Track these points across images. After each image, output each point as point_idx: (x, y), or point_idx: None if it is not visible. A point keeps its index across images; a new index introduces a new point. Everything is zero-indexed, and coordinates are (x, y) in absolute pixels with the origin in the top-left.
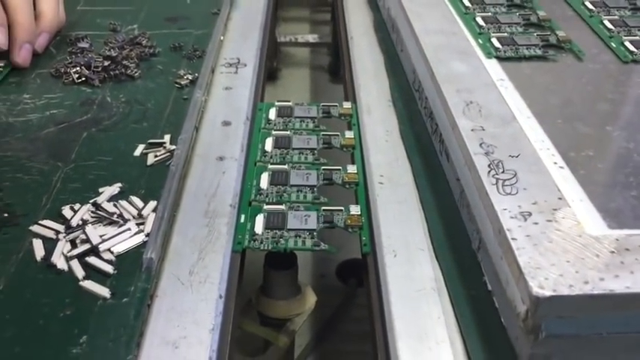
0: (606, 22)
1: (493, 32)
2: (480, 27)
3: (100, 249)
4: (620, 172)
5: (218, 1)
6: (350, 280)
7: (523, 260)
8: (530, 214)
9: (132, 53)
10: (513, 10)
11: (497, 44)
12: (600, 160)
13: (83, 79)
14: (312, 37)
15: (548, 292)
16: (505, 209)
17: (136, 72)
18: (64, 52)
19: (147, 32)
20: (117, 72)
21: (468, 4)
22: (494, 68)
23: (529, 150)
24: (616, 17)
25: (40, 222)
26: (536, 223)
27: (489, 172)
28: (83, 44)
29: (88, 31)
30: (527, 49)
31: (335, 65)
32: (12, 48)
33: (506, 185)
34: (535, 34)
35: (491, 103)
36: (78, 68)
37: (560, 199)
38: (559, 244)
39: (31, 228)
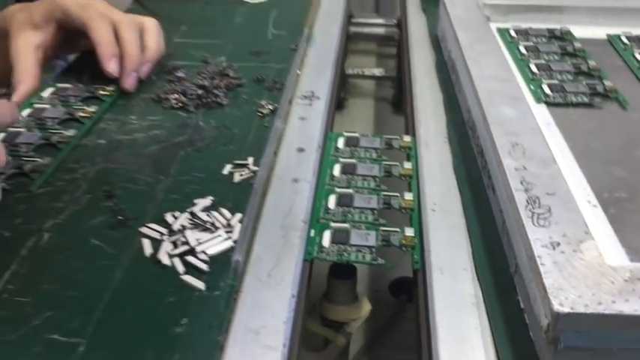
0: None
1: (545, 79)
2: (533, 73)
3: (197, 250)
4: None
5: (296, 38)
6: (401, 296)
7: (548, 282)
8: (558, 244)
9: (221, 83)
10: (566, 58)
11: (547, 90)
12: (631, 201)
13: (180, 104)
14: (377, 71)
15: (566, 309)
16: (537, 239)
17: (224, 100)
18: (163, 79)
19: (234, 64)
20: (208, 100)
21: (523, 51)
22: (542, 113)
23: (564, 189)
24: None
25: (147, 225)
26: (562, 252)
27: (527, 206)
28: (180, 74)
29: (184, 62)
30: (575, 96)
31: (398, 98)
32: (121, 75)
33: (541, 219)
34: (584, 82)
35: (535, 145)
36: (176, 95)
37: (586, 233)
38: (580, 271)
39: (140, 229)
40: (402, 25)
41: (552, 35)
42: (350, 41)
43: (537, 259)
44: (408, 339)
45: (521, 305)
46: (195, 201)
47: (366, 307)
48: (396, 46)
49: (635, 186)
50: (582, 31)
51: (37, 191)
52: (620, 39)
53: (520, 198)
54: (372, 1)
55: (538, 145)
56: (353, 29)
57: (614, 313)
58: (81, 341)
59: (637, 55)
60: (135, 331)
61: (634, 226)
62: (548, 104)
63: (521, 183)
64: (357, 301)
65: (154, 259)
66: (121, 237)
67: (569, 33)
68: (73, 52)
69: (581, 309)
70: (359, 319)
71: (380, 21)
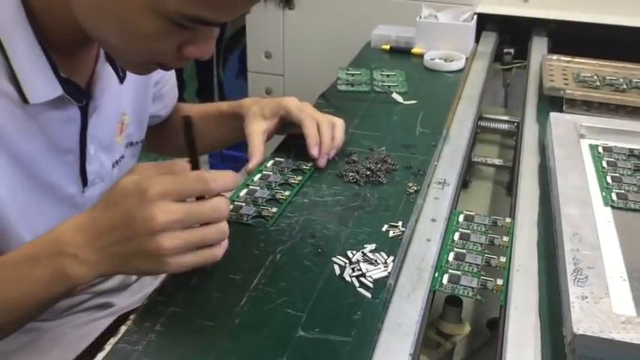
0: None
1: (615, 189)
2: (608, 183)
3: (366, 275)
4: None
5: (436, 137)
6: (493, 330)
7: (574, 317)
8: (586, 297)
9: (382, 167)
10: (637, 174)
11: (614, 197)
12: None
13: (354, 180)
14: (497, 161)
15: (580, 332)
16: (574, 293)
17: (384, 180)
18: (343, 161)
19: (391, 154)
20: (373, 178)
21: (605, 165)
22: (606, 214)
23: (601, 266)
24: None
25: (336, 256)
26: (587, 302)
27: (573, 273)
28: (354, 157)
29: (356, 148)
30: (634, 203)
31: (512, 184)
32: (318, 159)
33: (579, 282)
34: None
35: (589, 236)
36: (352, 173)
37: (606, 294)
38: (596, 314)
39: (332, 258)
40: (519, 129)
41: (631, 154)
42: (479, 133)
43: (571, 304)
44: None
45: (563, 332)
46: (365, 245)
47: (467, 328)
48: (514, 141)
49: None
50: None
51: (270, 228)
52: None
53: (570, 268)
54: (502, 100)
55: (592, 237)
56: (482, 123)
57: (609, 338)
58: (303, 315)
59: None
60: (331, 315)
61: None
62: (614, 208)
63: (574, 260)
64: (461, 322)
65: (341, 277)
66: (320, 262)
67: None
68: (282, 134)
69: (588, 333)
70: (461, 334)
71: (505, 118)
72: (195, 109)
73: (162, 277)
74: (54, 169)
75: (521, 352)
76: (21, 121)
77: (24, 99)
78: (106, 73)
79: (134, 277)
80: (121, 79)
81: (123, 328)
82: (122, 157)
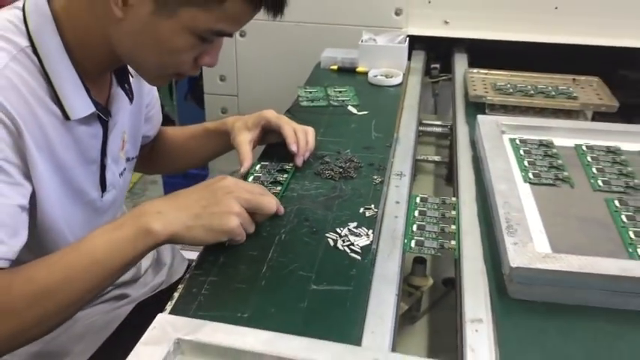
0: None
1: (530, 170)
2: (525, 166)
3: (354, 244)
4: (570, 236)
5: (389, 139)
6: (447, 285)
7: (510, 256)
8: (517, 243)
9: (351, 165)
10: (546, 158)
11: (531, 176)
12: (564, 229)
13: (331, 176)
14: (437, 158)
15: (514, 265)
16: (508, 240)
17: (354, 175)
18: (317, 162)
19: (355, 154)
20: (345, 174)
21: (522, 153)
22: (526, 188)
23: (525, 224)
24: None
25: (328, 233)
26: (518, 245)
27: (507, 227)
28: (326, 159)
29: (327, 152)
30: (545, 179)
31: (449, 176)
32: (296, 158)
33: (511, 233)
34: (553, 172)
35: (516, 203)
36: (327, 171)
37: (531, 240)
38: (525, 253)
39: (325, 235)
40: (452, 130)
41: (541, 143)
42: (420, 136)
43: (507, 248)
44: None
45: (502, 270)
46: (349, 223)
47: (430, 281)
48: (448, 140)
49: (566, 223)
50: (560, 141)
51: (273, 217)
52: (582, 147)
53: (504, 225)
54: (432, 107)
55: (517, 203)
56: (421, 128)
57: (535, 267)
58: (312, 275)
59: (588, 157)
60: (333, 273)
61: (559, 238)
62: (531, 183)
63: (506, 219)
64: (426, 277)
65: (335, 247)
66: (317, 238)
67: (551, 143)
68: (263, 144)
69: (521, 265)
70: (426, 285)
71: (438, 122)
72: (184, 130)
73: (164, 272)
74: (83, 177)
75: (474, 289)
76: (62, 134)
77: (65, 116)
78: (119, 94)
79: (143, 270)
80: (131, 100)
81: (176, 295)
82: (124, 169)
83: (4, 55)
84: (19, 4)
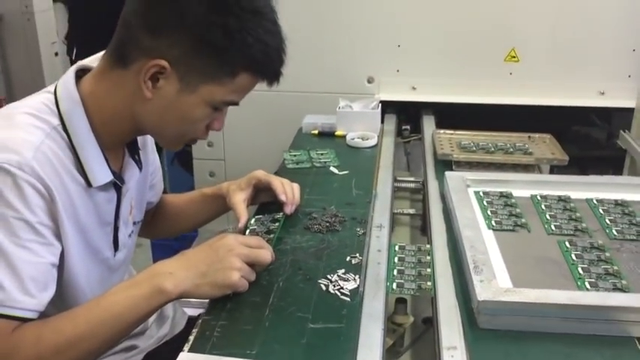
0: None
1: (493, 217)
2: (488, 215)
3: (343, 287)
4: (528, 273)
5: (369, 195)
6: (427, 324)
7: (477, 291)
8: (482, 281)
9: (336, 220)
10: (506, 207)
11: (494, 223)
12: (523, 268)
13: (319, 230)
14: (411, 210)
15: (481, 299)
16: (475, 278)
17: (339, 228)
18: (306, 218)
19: (339, 210)
20: (331, 228)
21: (485, 203)
22: (490, 234)
23: (489, 264)
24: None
25: (319, 280)
26: (484, 283)
27: (474, 267)
28: (314, 214)
29: (313, 208)
30: (506, 226)
31: (423, 226)
32: (285, 207)
33: (478, 272)
34: (512, 219)
35: (481, 247)
36: (316, 225)
37: (494, 277)
38: (490, 288)
39: (318, 281)
40: (424, 185)
41: (501, 195)
42: (395, 191)
43: (475, 285)
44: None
45: (472, 304)
46: (337, 270)
47: (411, 319)
48: (421, 194)
49: (525, 262)
50: (518, 192)
51: (269, 266)
52: (537, 197)
53: (472, 265)
54: (405, 165)
55: (482, 247)
56: (396, 184)
57: (499, 300)
58: (309, 315)
59: (542, 206)
60: (327, 313)
61: (519, 275)
62: (494, 230)
63: (473, 261)
64: (407, 315)
65: (327, 291)
66: (311, 284)
67: (510, 194)
68: (255, 203)
69: (487, 299)
70: (407, 323)
71: (411, 179)
72: (183, 196)
73: (167, 325)
74: (99, 238)
75: (449, 321)
76: (84, 200)
77: (88, 183)
78: (131, 164)
79: (150, 322)
80: (141, 169)
81: (191, 338)
82: (132, 231)
83: (41, 133)
84: (51, 88)
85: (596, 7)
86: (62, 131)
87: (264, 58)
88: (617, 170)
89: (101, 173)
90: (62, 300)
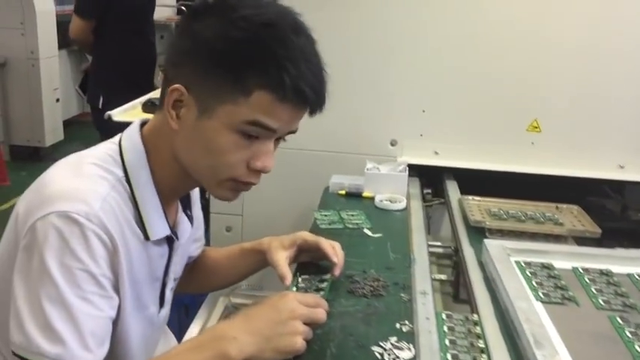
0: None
1: (540, 289)
2: (534, 286)
3: (399, 357)
4: (588, 349)
5: (406, 259)
6: None
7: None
8: (546, 355)
9: (379, 284)
10: (550, 279)
11: (541, 295)
12: (587, 338)
13: (362, 294)
14: (444, 276)
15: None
16: (538, 353)
17: (383, 292)
18: (347, 281)
19: (380, 274)
20: (375, 293)
21: (528, 274)
22: (539, 306)
23: (548, 337)
24: None
25: (372, 347)
26: (546, 357)
27: (534, 342)
28: (356, 278)
29: (355, 271)
30: (554, 298)
31: (456, 293)
32: (335, 269)
33: (539, 347)
34: (559, 292)
35: (534, 318)
36: (360, 289)
37: (557, 352)
38: None
39: (371, 348)
40: (458, 252)
41: (543, 266)
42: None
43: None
44: None
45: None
46: (389, 337)
47: None
48: (449, 259)
49: (580, 338)
50: (559, 264)
51: (318, 332)
52: (579, 269)
53: (531, 339)
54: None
55: (536, 318)
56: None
57: None
58: None
59: (586, 279)
60: None
61: (579, 351)
62: (542, 302)
63: (532, 334)
64: None
65: (382, 359)
66: (364, 351)
67: (552, 265)
68: (295, 262)
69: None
70: None
71: (439, 244)
72: (221, 250)
73: None
74: (147, 293)
75: None
76: (140, 253)
77: (146, 237)
78: (183, 219)
79: None
80: (192, 225)
81: None
82: (173, 287)
83: (107, 184)
84: (115, 139)
85: (616, 82)
86: (125, 183)
87: (277, 72)
88: (631, 243)
89: (159, 227)
90: (112, 356)
